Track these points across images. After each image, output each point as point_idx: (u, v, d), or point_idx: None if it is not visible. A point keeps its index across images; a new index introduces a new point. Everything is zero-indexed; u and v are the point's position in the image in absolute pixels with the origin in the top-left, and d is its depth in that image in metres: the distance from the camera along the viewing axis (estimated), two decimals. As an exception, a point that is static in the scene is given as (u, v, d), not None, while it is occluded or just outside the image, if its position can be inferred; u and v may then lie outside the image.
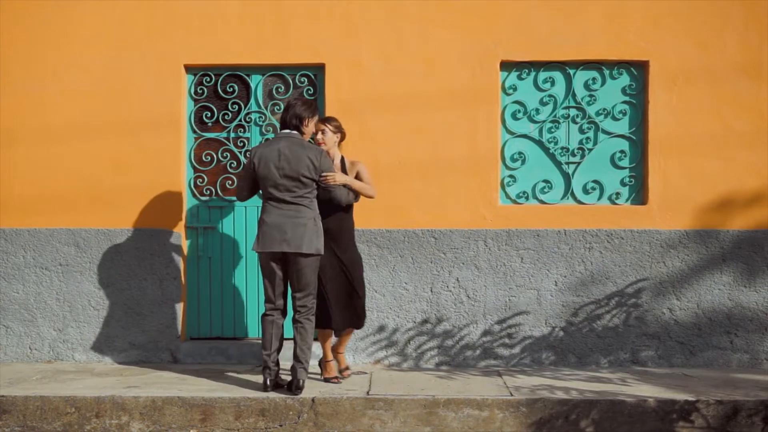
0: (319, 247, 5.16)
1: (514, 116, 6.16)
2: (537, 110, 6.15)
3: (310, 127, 5.29)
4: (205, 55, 6.14)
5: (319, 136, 5.38)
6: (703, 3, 6.05)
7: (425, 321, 5.98)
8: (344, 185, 5.27)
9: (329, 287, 5.34)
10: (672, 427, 4.87)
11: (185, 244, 6.22)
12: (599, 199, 6.17)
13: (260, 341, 6.18)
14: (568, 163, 6.16)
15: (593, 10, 6.05)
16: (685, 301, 6.04)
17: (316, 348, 5.76)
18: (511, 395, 5.05)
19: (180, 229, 6.16)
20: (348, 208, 5.43)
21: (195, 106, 6.27)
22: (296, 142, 5.17)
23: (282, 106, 6.24)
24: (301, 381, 5.10)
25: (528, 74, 6.16)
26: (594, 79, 6.15)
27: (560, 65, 6.15)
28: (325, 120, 5.45)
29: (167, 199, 6.12)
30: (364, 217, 5.84)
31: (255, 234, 6.18)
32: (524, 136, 6.17)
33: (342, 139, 5.49)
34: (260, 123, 6.24)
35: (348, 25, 6.09)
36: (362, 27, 6.09)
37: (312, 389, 5.20)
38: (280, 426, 4.94)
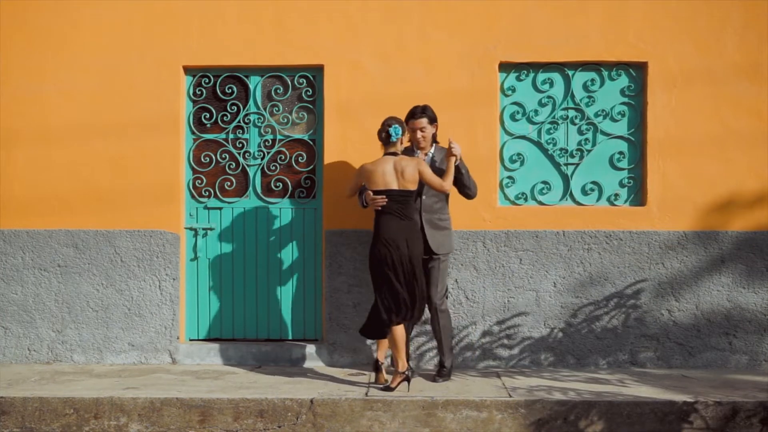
0: None
1: (512, 117, 6.17)
2: (536, 111, 6.15)
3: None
4: (204, 56, 6.14)
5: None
6: (703, 4, 6.05)
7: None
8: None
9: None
10: (671, 428, 4.87)
11: (184, 245, 6.22)
12: (598, 200, 6.16)
13: (258, 342, 6.19)
14: (566, 164, 6.16)
15: (592, 12, 6.05)
16: (684, 303, 6.03)
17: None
18: (510, 396, 5.05)
19: (179, 231, 6.16)
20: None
21: (194, 107, 6.27)
22: None
23: (281, 107, 6.25)
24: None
25: (527, 75, 6.16)
26: (593, 80, 6.15)
27: (559, 66, 6.14)
28: None
29: (166, 200, 6.12)
30: (365, 218, 5.84)
31: (253, 235, 6.21)
32: (523, 137, 6.17)
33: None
34: (259, 124, 6.24)
35: (347, 27, 6.09)
36: (361, 28, 6.09)
37: (311, 390, 5.20)
38: (279, 427, 4.94)
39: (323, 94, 6.11)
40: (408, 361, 5.62)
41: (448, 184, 5.36)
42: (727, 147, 6.02)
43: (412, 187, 5.33)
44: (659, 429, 4.86)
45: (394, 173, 5.32)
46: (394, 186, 5.31)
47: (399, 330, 5.29)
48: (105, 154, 6.13)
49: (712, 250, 6.03)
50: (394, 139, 5.38)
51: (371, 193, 5.34)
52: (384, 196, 5.31)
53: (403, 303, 5.29)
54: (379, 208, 5.35)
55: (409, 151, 5.61)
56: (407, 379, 5.26)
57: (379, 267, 5.31)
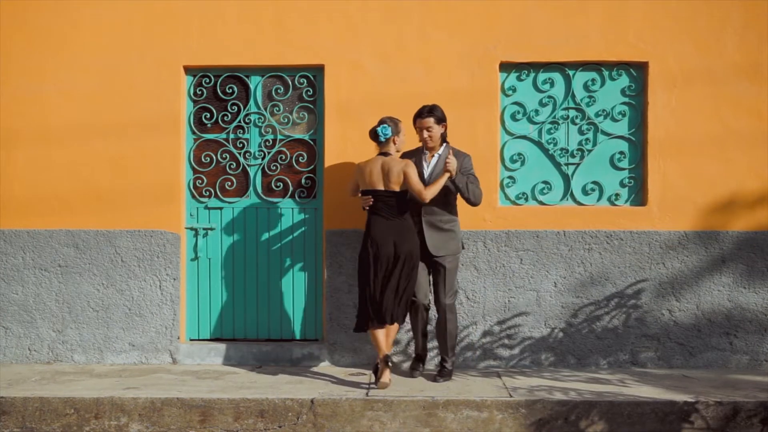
0: None
1: (513, 117, 6.16)
2: (536, 111, 6.15)
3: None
4: (205, 56, 6.14)
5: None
6: (703, 4, 6.05)
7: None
8: None
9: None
10: (672, 428, 4.87)
11: (184, 245, 6.22)
12: (599, 200, 6.16)
13: (258, 342, 6.19)
14: (567, 164, 6.16)
15: (593, 11, 6.06)
16: (685, 303, 6.03)
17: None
18: (511, 396, 5.05)
19: (179, 230, 6.16)
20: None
21: (194, 107, 6.27)
22: None
23: (281, 107, 6.24)
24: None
25: (527, 75, 6.16)
26: (593, 80, 6.15)
27: (560, 66, 6.14)
28: None
29: (166, 200, 6.12)
30: (365, 218, 5.83)
31: (254, 235, 6.20)
32: (524, 137, 6.17)
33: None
34: (259, 124, 6.24)
35: (347, 27, 6.09)
36: (361, 28, 6.09)
37: (311, 390, 5.20)
38: (280, 427, 4.94)
39: (324, 94, 6.11)
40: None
41: (428, 193, 5.32)
42: (727, 147, 6.02)
43: (397, 188, 5.36)
44: (660, 429, 4.86)
45: (381, 173, 5.36)
46: (380, 186, 5.36)
47: (377, 330, 5.36)
48: (105, 154, 6.13)
49: (712, 250, 6.03)
50: (383, 139, 5.40)
51: (360, 193, 5.41)
52: (370, 196, 5.36)
53: (378, 306, 5.32)
54: (368, 208, 5.38)
55: (419, 151, 5.62)
56: (386, 361, 5.29)
57: (361, 267, 5.40)
